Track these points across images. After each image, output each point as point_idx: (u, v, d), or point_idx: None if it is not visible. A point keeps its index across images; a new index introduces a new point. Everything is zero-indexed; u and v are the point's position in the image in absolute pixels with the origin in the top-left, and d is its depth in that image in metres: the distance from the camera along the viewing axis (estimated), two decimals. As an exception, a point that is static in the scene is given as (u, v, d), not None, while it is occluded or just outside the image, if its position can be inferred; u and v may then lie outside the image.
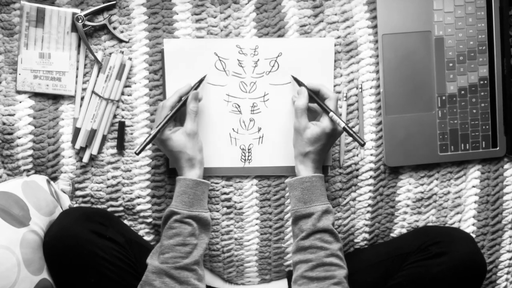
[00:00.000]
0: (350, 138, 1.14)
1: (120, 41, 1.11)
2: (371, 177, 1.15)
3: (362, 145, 1.00)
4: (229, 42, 1.10)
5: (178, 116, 1.06)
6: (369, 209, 1.16)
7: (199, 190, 1.01)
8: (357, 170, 1.14)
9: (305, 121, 1.01)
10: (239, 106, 1.12)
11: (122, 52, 1.11)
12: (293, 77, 1.09)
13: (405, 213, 1.16)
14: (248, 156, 1.13)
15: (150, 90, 1.12)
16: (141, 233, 1.15)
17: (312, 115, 1.06)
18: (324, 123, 1.01)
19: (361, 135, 1.14)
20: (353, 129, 1.07)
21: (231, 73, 1.11)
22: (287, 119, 1.11)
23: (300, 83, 1.07)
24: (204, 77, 1.09)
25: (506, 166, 1.17)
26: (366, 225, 1.16)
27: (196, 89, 1.06)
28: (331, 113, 1.00)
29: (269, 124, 1.12)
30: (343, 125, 1.00)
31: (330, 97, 1.03)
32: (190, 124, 1.02)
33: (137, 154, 1.00)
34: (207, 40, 1.11)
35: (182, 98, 1.04)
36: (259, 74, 1.11)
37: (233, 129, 1.12)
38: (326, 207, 0.99)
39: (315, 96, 1.04)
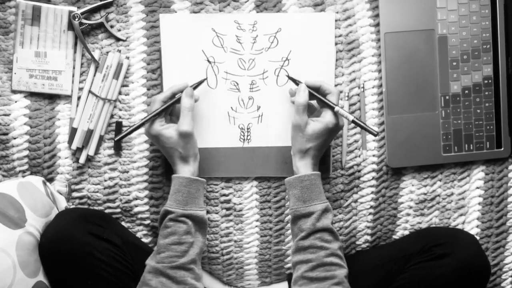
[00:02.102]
0: (352, 139, 1.13)
1: (118, 39, 1.10)
2: (373, 178, 1.14)
3: (376, 135, 0.99)
4: (227, 17, 1.09)
5: (175, 112, 1.05)
6: (371, 210, 1.15)
7: (193, 188, 0.99)
8: (359, 171, 1.14)
9: (305, 117, 1.00)
10: (237, 84, 1.10)
11: (120, 51, 1.10)
12: (289, 77, 1.08)
13: (408, 214, 1.16)
14: (247, 135, 1.11)
15: (148, 89, 1.11)
16: (138, 235, 1.14)
17: (309, 111, 1.04)
18: (326, 118, 1.00)
19: (363, 136, 1.13)
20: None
21: (229, 49, 1.09)
22: (287, 97, 1.10)
23: (297, 82, 1.05)
24: (204, 80, 1.08)
25: (510, 167, 1.16)
26: (368, 227, 1.16)
27: (194, 89, 1.04)
28: (336, 108, 0.99)
29: (268, 102, 1.11)
30: (352, 118, 0.98)
31: (332, 92, 1.01)
32: (183, 124, 0.98)
33: (115, 141, 1.00)
34: (205, 15, 1.09)
35: (176, 96, 1.03)
36: (258, 50, 1.10)
37: (231, 107, 1.11)
38: (325, 205, 0.98)
39: (316, 92, 1.02)
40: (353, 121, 0.99)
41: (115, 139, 1.00)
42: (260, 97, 1.11)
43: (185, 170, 1.00)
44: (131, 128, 1.00)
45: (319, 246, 0.95)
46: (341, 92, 1.12)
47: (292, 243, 1.00)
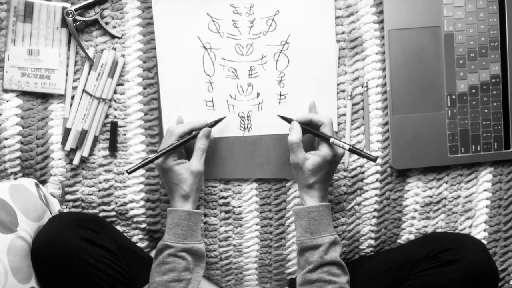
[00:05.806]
0: (355, 139, 1.12)
1: (113, 37, 1.10)
2: (377, 180, 1.13)
3: (374, 160, 0.99)
4: (222, 1, 1.07)
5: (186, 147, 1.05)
6: (375, 214, 1.14)
7: (193, 221, 1.00)
8: (363, 173, 1.13)
9: (302, 154, 1.00)
10: (235, 71, 1.09)
11: (115, 49, 1.09)
12: (280, 116, 1.07)
13: (413, 218, 1.15)
14: (248, 124, 1.10)
15: (144, 88, 1.10)
16: (134, 239, 1.13)
17: (309, 146, 1.05)
18: (323, 151, 1.00)
19: (367, 136, 1.12)
20: (358, 146, 1.08)
21: (226, 34, 1.08)
22: (287, 84, 1.08)
23: (289, 120, 1.05)
24: (223, 118, 1.07)
25: (519, 169, 1.16)
26: (372, 231, 1.15)
27: (211, 127, 1.04)
28: (331, 139, 0.99)
29: (268, 88, 1.09)
30: (348, 147, 0.99)
31: (325, 123, 1.02)
32: (196, 163, 1.00)
33: (129, 173, 1.00)
34: None
35: (193, 132, 1.03)
36: (255, 35, 1.08)
37: (230, 95, 1.09)
38: (333, 238, 0.98)
39: (308, 127, 1.03)
40: (350, 150, 0.99)
41: (128, 171, 1.00)
42: (259, 83, 1.09)
43: (184, 208, 1.00)
44: (147, 161, 0.99)
45: (327, 280, 0.95)
46: (343, 91, 1.11)
47: (298, 275, 1.00)
